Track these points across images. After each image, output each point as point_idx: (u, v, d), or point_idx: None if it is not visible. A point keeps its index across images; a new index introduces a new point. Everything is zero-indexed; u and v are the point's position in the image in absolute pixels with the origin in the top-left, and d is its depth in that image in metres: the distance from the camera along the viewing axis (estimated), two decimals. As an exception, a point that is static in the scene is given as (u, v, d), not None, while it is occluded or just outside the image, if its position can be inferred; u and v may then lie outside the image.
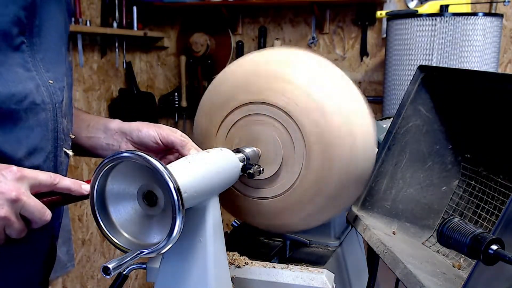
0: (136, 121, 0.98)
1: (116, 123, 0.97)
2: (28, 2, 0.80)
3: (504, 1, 2.45)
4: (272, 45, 3.07)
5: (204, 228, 0.78)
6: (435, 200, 0.98)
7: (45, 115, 0.85)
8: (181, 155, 0.91)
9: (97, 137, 0.98)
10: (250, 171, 0.88)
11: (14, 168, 0.72)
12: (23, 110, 0.81)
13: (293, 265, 0.94)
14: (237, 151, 0.90)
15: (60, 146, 0.89)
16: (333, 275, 0.92)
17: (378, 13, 2.46)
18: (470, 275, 0.65)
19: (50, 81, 0.86)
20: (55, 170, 0.88)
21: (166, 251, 0.67)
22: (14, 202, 0.70)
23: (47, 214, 0.73)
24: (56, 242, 1.00)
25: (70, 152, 0.92)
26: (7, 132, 0.79)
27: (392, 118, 0.99)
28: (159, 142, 0.93)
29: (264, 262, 0.95)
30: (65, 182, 0.76)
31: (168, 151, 0.97)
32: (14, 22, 0.79)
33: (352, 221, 0.98)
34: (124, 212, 0.70)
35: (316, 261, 1.06)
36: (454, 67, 2.15)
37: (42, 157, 0.85)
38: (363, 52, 2.93)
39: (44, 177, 0.74)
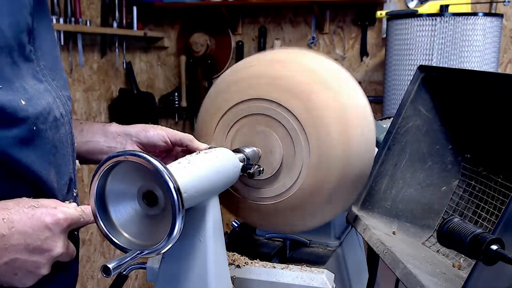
0: (136, 121, 0.98)
1: (116, 126, 0.96)
2: (31, 5, 0.72)
3: (504, 1, 2.45)
4: (272, 45, 3.07)
5: (204, 228, 0.78)
6: (435, 200, 0.98)
7: (64, 129, 0.79)
8: (190, 149, 0.92)
9: (95, 141, 0.94)
10: (250, 171, 0.88)
11: (60, 216, 0.70)
12: (49, 128, 0.74)
13: (293, 265, 0.94)
14: (237, 151, 0.90)
15: (75, 159, 0.84)
16: (333, 275, 0.92)
17: (378, 13, 2.46)
18: (470, 275, 0.65)
19: (61, 91, 0.80)
20: (75, 186, 0.84)
21: (166, 251, 0.67)
22: (57, 257, 0.71)
23: (74, 253, 0.76)
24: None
25: (78, 163, 0.88)
26: (40, 155, 0.73)
27: (392, 118, 0.99)
28: (168, 140, 0.94)
29: (264, 262, 0.95)
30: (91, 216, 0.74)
31: (169, 151, 0.97)
32: (26, 30, 0.71)
33: (352, 221, 0.98)
34: (124, 212, 0.70)
35: (316, 261, 1.06)
36: (454, 67, 2.15)
37: (67, 176, 0.80)
38: (363, 52, 2.93)
39: (81, 216, 0.74)
